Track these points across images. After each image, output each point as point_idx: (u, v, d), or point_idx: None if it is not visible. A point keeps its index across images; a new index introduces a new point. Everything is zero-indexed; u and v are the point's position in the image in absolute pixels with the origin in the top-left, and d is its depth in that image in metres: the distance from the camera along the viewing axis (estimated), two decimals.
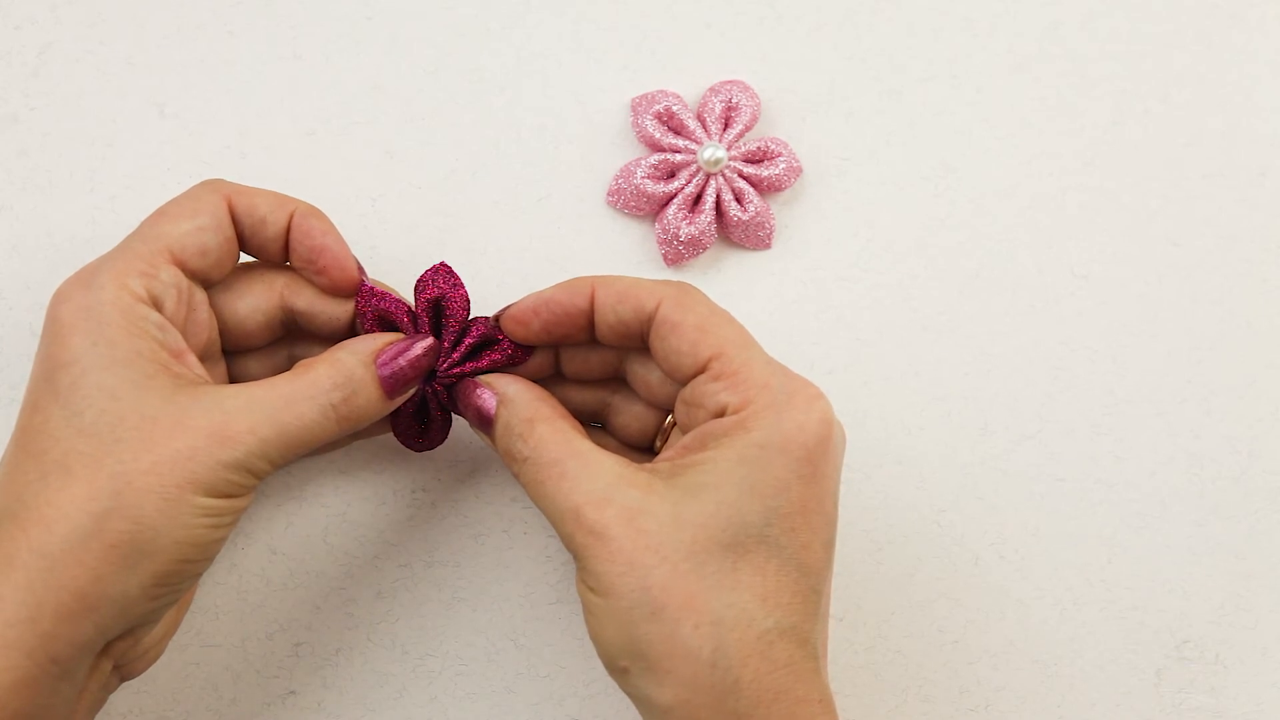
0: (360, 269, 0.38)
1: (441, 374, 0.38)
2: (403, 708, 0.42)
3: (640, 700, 0.34)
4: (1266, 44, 0.47)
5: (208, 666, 0.41)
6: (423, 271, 0.38)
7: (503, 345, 0.38)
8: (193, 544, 0.32)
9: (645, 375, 0.38)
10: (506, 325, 0.37)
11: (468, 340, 0.38)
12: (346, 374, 0.35)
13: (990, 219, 0.45)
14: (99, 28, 0.44)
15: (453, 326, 0.38)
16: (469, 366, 0.38)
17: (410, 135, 0.44)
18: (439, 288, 0.38)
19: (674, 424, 0.38)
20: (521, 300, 0.37)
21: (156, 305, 0.34)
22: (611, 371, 0.39)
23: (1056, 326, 0.45)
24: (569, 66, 0.45)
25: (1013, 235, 0.45)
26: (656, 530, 0.33)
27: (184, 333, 0.35)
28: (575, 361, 0.38)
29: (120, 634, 0.33)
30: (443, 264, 0.38)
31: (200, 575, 0.34)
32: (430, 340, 0.37)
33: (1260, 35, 0.47)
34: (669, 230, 0.43)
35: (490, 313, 0.38)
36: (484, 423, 0.37)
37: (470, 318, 0.38)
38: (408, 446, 0.39)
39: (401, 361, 0.36)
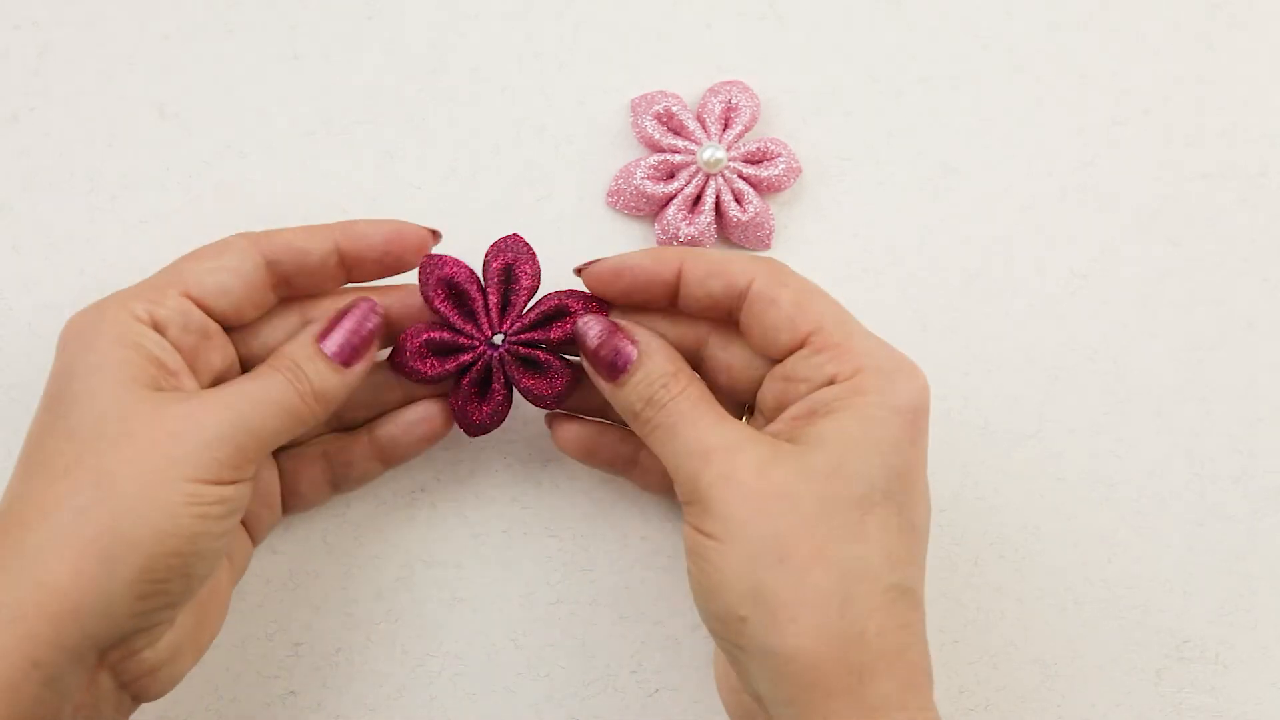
0: (431, 231, 0.38)
1: (510, 337, 0.38)
2: (403, 708, 0.42)
3: (756, 652, 0.33)
4: (1266, 44, 0.47)
5: (208, 666, 0.41)
6: (494, 240, 0.38)
7: (575, 317, 0.38)
8: (177, 534, 0.32)
9: (726, 359, 0.38)
10: (588, 280, 0.37)
11: (540, 308, 0.38)
12: (291, 364, 0.35)
13: (990, 219, 0.45)
14: (99, 28, 0.44)
15: (523, 294, 0.38)
16: (539, 335, 0.38)
17: (410, 135, 0.44)
18: (510, 255, 0.38)
19: (750, 412, 0.38)
20: (604, 260, 0.37)
21: (159, 329, 0.35)
22: (689, 352, 0.38)
23: (1056, 326, 0.45)
24: (569, 66, 0.45)
25: (1013, 235, 0.45)
26: (784, 480, 0.33)
27: (194, 363, 0.35)
28: None
29: (113, 642, 0.32)
30: (515, 234, 0.38)
31: (196, 579, 0.33)
32: (367, 300, 0.37)
33: (1260, 35, 0.47)
34: (669, 230, 0.43)
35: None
36: (616, 370, 0.36)
37: (541, 293, 0.39)
38: (464, 429, 0.39)
39: (338, 333, 0.36)
